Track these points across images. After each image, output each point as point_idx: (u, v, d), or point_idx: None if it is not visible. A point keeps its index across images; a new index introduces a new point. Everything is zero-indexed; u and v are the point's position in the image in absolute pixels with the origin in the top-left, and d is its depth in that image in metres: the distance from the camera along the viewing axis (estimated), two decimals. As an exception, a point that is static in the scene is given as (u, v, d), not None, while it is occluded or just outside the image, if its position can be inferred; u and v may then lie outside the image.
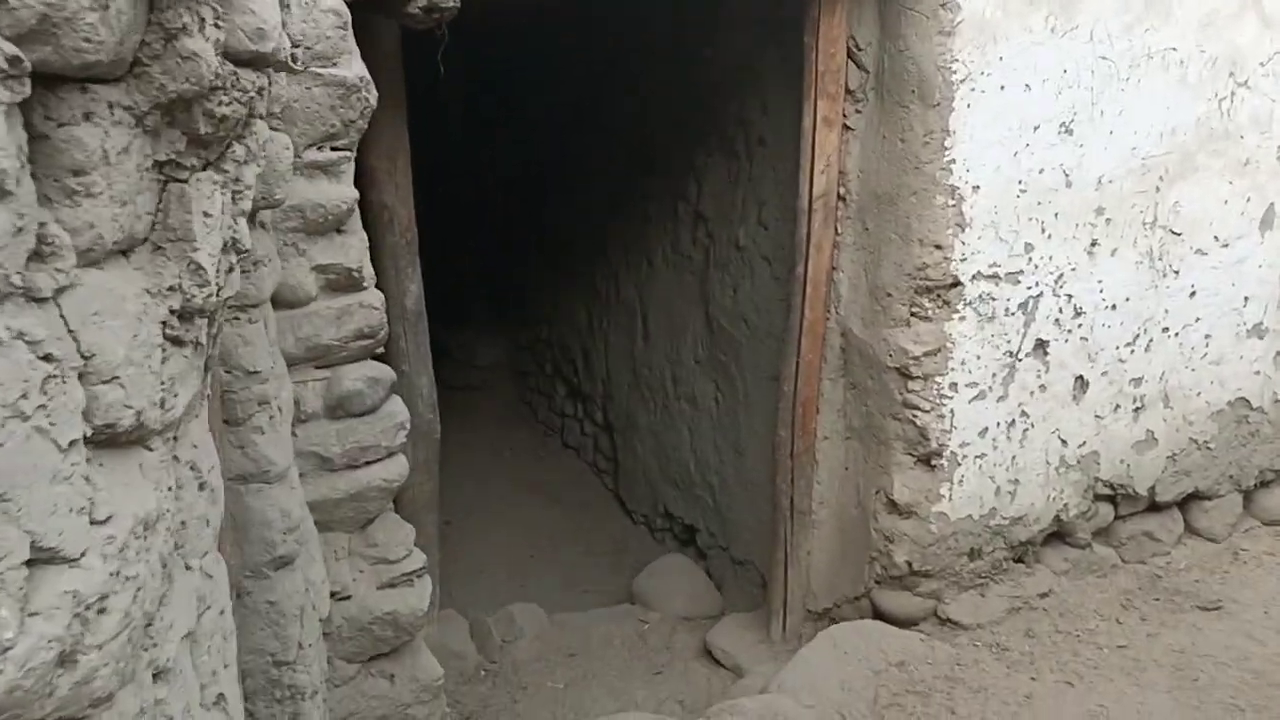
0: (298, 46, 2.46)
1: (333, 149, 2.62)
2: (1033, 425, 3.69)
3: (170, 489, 1.15)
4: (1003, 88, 3.25)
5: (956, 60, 3.16)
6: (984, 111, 3.25)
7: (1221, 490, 4.16)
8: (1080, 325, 3.65)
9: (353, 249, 2.71)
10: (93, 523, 0.95)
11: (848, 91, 3.42)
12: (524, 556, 5.12)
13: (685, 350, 4.92)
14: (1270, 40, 3.64)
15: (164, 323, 1.09)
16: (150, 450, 1.09)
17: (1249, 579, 3.92)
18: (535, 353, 6.85)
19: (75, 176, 0.96)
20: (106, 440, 1.01)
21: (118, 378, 0.99)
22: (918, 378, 3.45)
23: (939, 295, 3.39)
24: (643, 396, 5.36)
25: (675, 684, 3.89)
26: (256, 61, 1.14)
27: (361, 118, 2.65)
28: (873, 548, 3.69)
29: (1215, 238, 3.80)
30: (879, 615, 3.71)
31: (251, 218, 2.28)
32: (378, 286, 2.93)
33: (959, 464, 3.58)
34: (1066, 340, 3.65)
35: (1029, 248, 3.47)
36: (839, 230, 3.55)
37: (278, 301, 2.53)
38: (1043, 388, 3.66)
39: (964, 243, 3.35)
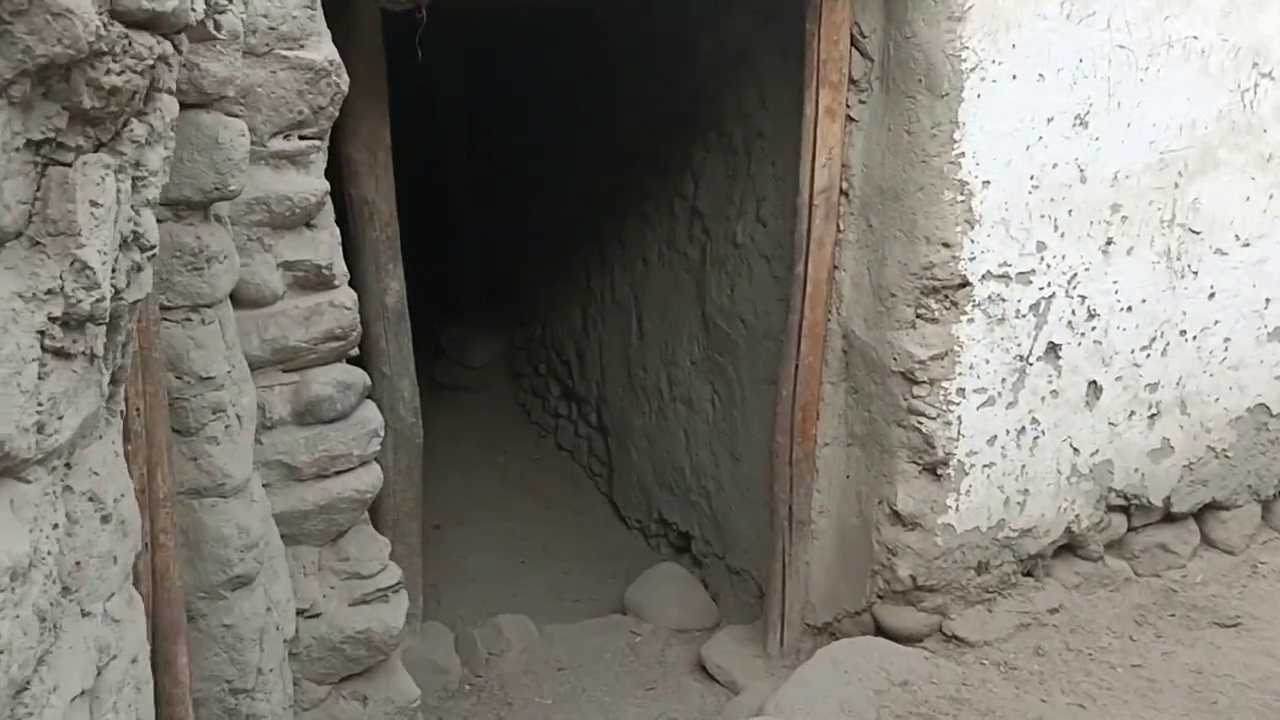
0: (260, 29, 2.30)
1: (301, 138, 2.47)
2: (1043, 433, 3.56)
3: (56, 526, 0.99)
4: (1015, 77, 3.16)
5: (966, 48, 3.06)
6: (995, 102, 3.15)
7: (1239, 500, 4.01)
8: (1094, 328, 3.53)
9: (323, 244, 2.55)
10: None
11: (851, 81, 3.32)
12: (514, 564, 4.98)
13: (681, 351, 4.78)
14: (1295, 29, 3.51)
15: (42, 332, 0.92)
16: (25, 483, 0.93)
17: (1268, 594, 3.77)
18: (530, 353, 6.72)
19: (-84, 157, 0.80)
20: (-40, 474, 0.85)
21: (-29, 399, 0.83)
22: (923, 382, 3.34)
23: (946, 296, 3.29)
24: (637, 398, 5.22)
25: (668, 701, 3.74)
26: (154, 23, 0.96)
27: (332, 104, 2.50)
28: (875, 560, 3.57)
29: (1236, 237, 3.67)
30: (881, 631, 3.59)
31: (205, 210, 2.12)
32: (358, 285, 2.78)
33: (966, 473, 3.45)
34: (1079, 344, 3.52)
35: (1041, 246, 3.36)
36: (841, 227, 3.45)
37: (240, 300, 2.37)
38: (1054, 393, 3.53)
39: (973, 241, 3.24)
